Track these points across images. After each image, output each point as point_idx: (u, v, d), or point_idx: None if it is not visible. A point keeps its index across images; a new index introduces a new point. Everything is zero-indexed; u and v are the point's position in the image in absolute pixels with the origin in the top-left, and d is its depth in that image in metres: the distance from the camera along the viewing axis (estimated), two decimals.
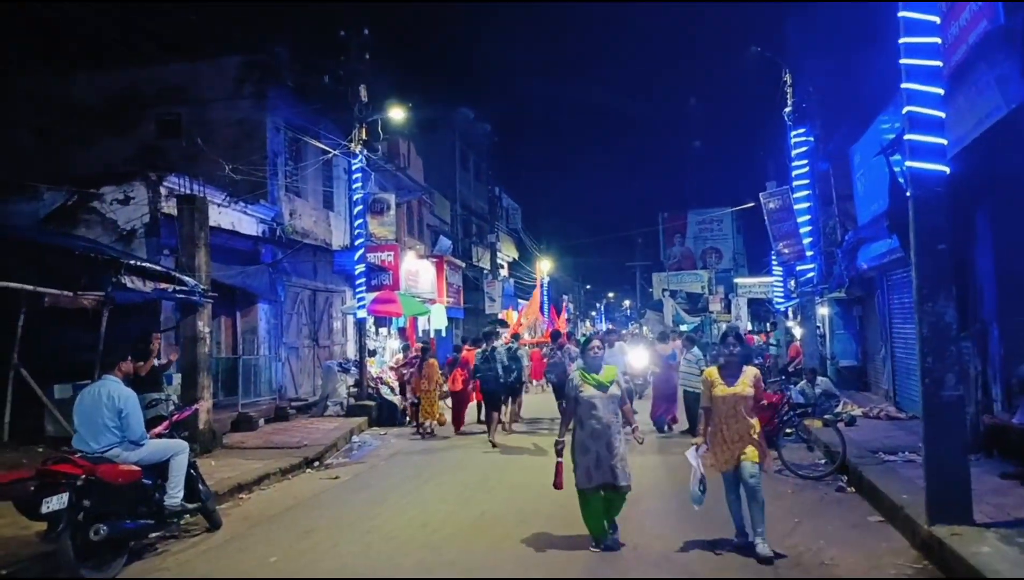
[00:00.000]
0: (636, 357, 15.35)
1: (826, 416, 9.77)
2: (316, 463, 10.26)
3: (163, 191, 11.80)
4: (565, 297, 52.10)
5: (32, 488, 5.13)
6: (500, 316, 30.49)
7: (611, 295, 75.80)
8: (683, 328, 36.48)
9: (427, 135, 27.96)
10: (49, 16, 14.68)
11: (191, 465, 6.56)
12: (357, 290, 15.50)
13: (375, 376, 15.40)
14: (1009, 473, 6.93)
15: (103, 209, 11.68)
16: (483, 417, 12.84)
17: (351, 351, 18.12)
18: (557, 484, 5.82)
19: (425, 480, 8.94)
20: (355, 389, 15.15)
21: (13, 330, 9.40)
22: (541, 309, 39.60)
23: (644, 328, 44.18)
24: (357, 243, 15.27)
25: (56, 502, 5.08)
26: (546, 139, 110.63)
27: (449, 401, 13.75)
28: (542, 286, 39.07)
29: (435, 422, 12.85)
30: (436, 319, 23.16)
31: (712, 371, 5.86)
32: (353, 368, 15.85)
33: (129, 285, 9.69)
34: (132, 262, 9.88)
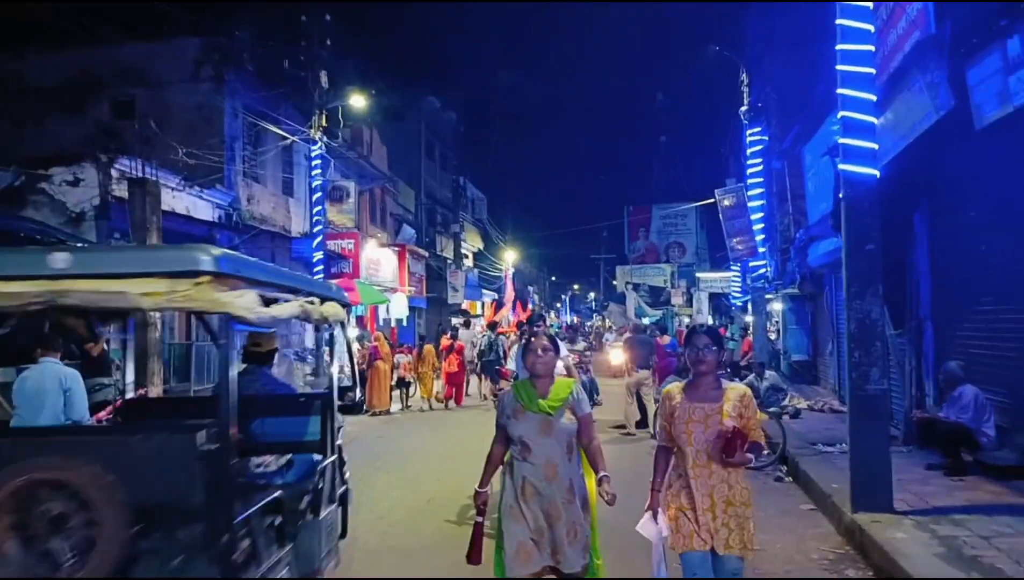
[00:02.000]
0: (614, 355, 16.06)
1: (771, 409, 10.05)
2: None
3: (115, 174, 11.61)
4: (530, 288, 52.39)
5: None
6: (464, 306, 30.56)
7: (576, 287, 76.39)
8: (645, 321, 36.91)
9: (392, 123, 27.82)
10: None
11: None
12: (315, 278, 15.44)
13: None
14: (935, 464, 7.25)
15: (52, 191, 11.47)
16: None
17: (309, 340, 18.03)
18: (472, 558, 3.76)
19: (378, 468, 9.02)
20: (311, 378, 15.12)
21: None
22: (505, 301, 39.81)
23: (607, 321, 44.56)
24: (315, 230, 15.21)
25: None
26: (513, 130, 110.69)
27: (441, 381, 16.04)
28: (511, 277, 39.28)
29: (433, 399, 15.42)
30: (397, 308, 23.15)
31: (674, 388, 3.63)
32: (310, 357, 15.79)
33: None
34: (79, 245, 9.74)
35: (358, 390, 14.63)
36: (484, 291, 37.83)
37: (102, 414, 6.76)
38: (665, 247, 52.10)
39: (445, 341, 16.40)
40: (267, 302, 3.31)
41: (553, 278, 69.19)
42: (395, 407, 14.91)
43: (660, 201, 51.81)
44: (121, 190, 11.52)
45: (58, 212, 11.48)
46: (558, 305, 70.27)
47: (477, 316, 31.51)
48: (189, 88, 14.82)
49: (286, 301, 3.59)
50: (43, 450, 3.16)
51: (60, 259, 2.89)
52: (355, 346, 17.30)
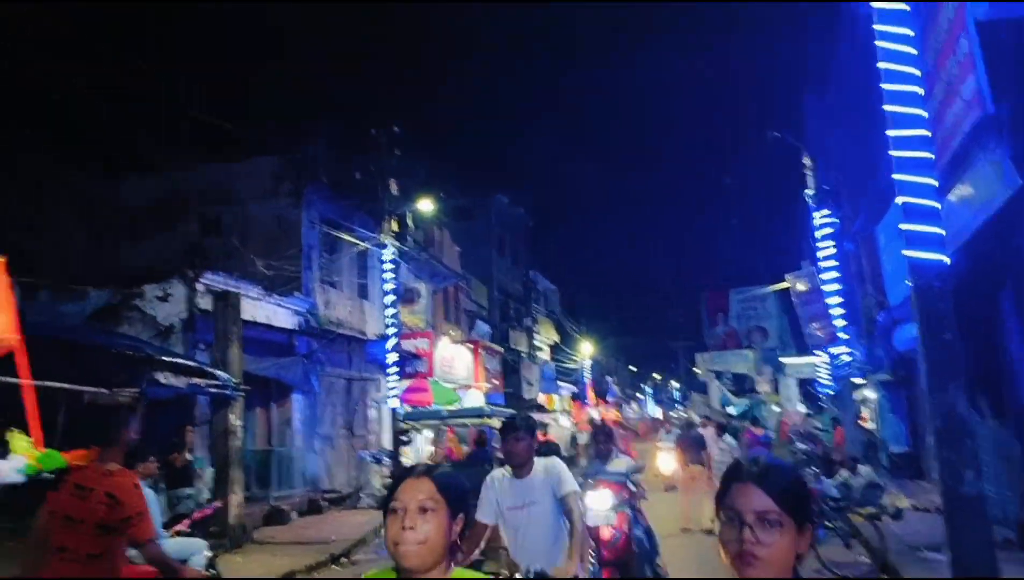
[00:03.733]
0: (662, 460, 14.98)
1: (867, 509, 9.33)
2: (343, 559, 10.19)
3: (200, 288, 12.31)
4: (609, 378, 51.61)
5: None
6: (539, 400, 30.31)
7: (657, 376, 74.71)
8: (731, 410, 35.45)
9: (462, 222, 28.69)
10: (100, 122, 15.80)
11: (210, 565, 6.61)
12: (389, 379, 15.69)
13: (408, 466, 15.40)
14: None
15: (144, 306, 12.22)
16: None
17: (386, 441, 18.16)
18: None
19: None
20: (389, 480, 15.13)
21: (55, 427, 9.76)
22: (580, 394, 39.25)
23: (690, 412, 43.19)
24: (389, 332, 15.56)
25: None
26: (582, 221, 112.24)
27: None
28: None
29: None
30: (474, 405, 23.11)
31: None
32: (386, 458, 15.87)
33: (163, 381, 10.03)
34: (166, 359, 10.25)
35: None
36: (560, 384, 37.47)
37: (179, 526, 6.93)
38: (746, 332, 50.69)
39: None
40: None
41: (632, 368, 67.99)
42: None
43: (737, 285, 50.77)
44: (206, 303, 12.20)
45: (149, 326, 12.19)
46: (639, 395, 68.73)
47: (553, 410, 31.17)
48: (268, 202, 15.79)
49: None
50: None
51: None
52: (430, 448, 17.46)
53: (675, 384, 68.95)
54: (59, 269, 13.79)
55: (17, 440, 6.29)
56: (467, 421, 15.44)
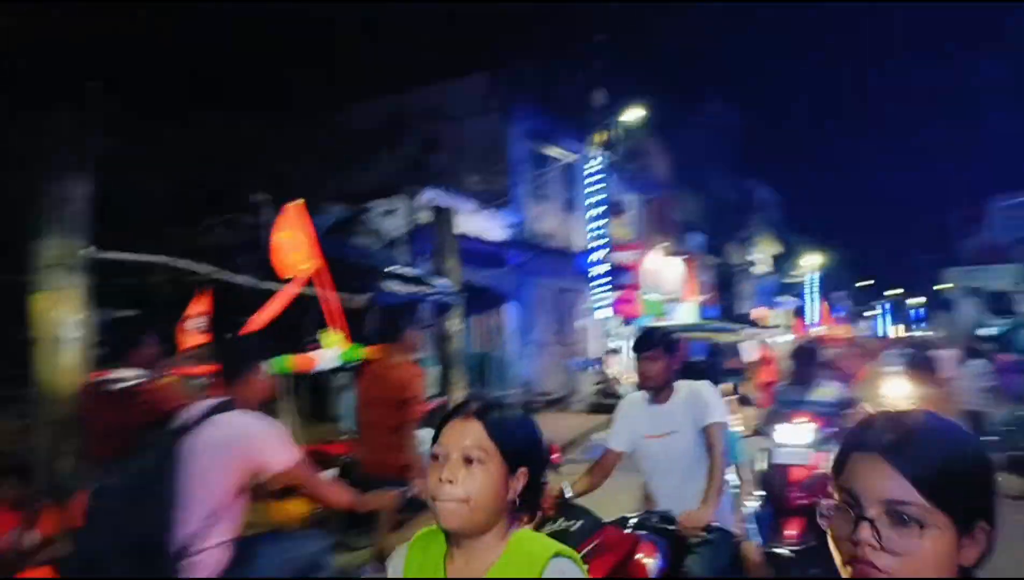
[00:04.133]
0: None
1: None
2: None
3: (419, 203, 13.21)
4: (838, 294, 47.99)
5: None
6: (751, 315, 29.14)
7: (894, 292, 68.08)
8: (985, 331, 31.55)
9: (675, 130, 27.56)
10: (335, 49, 17.13)
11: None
12: (597, 291, 15.91)
13: (613, 376, 15.71)
14: None
15: (371, 221, 13.41)
16: None
17: (593, 351, 18.60)
18: None
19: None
20: (599, 385, 15.59)
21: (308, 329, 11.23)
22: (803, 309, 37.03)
23: (932, 333, 39.01)
24: (596, 244, 15.67)
25: None
26: (810, 125, 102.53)
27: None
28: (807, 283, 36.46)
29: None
30: (684, 318, 22.78)
31: None
32: (595, 366, 16.30)
33: (389, 288, 11.07)
34: (391, 269, 11.25)
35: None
36: (780, 298, 35.62)
37: None
38: (1009, 244, 44.22)
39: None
40: None
41: (867, 282, 62.50)
42: None
43: (995, 191, 44.22)
44: (426, 217, 13.09)
45: (377, 239, 13.40)
46: (872, 313, 63.35)
47: (774, 326, 29.76)
48: (480, 120, 16.30)
49: None
50: None
51: None
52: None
53: (915, 301, 62.48)
54: (304, 190, 15.48)
55: (332, 336, 7.71)
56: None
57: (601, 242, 15.67)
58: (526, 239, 16.24)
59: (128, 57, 12.06)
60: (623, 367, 16.79)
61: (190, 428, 2.63)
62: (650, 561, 2.92)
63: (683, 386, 3.40)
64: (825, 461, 5.13)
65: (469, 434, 1.47)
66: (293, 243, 7.28)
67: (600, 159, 15.72)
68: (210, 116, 15.48)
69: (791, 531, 4.95)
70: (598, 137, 15.66)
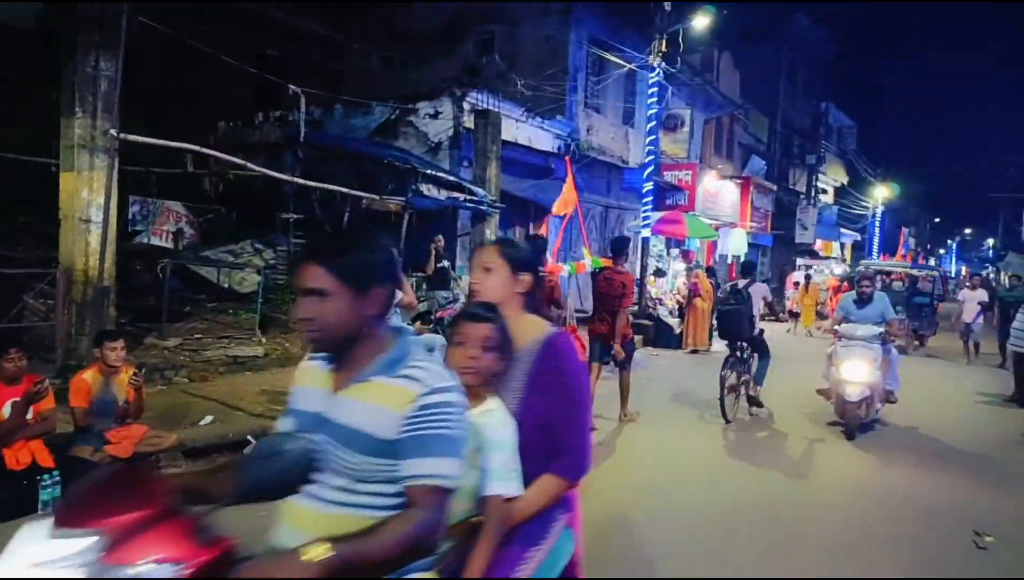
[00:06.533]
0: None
1: None
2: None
3: (466, 106, 12.79)
4: (906, 229, 45.90)
5: None
6: (814, 246, 28.14)
7: (968, 231, 64.88)
8: None
9: (749, 44, 25.98)
10: None
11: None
12: (643, 208, 15.42)
13: (654, 297, 15.41)
14: None
15: (417, 123, 13.10)
16: None
17: (637, 270, 18.23)
18: None
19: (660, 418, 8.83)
20: (637, 305, 15.30)
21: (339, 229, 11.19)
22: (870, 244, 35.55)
23: (1002, 274, 37.12)
24: (647, 160, 15.06)
25: None
26: (895, 49, 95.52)
27: None
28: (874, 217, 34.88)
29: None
30: (734, 244, 22.10)
31: None
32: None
33: (425, 193, 10.88)
34: (428, 172, 11.02)
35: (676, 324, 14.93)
36: (843, 231, 34.26)
37: (418, 324, 7.79)
38: None
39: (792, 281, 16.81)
40: None
41: (936, 220, 59.59)
42: (716, 346, 14.40)
43: None
44: (471, 121, 12.70)
45: (421, 142, 13.11)
46: (940, 251, 60.71)
47: (831, 257, 28.73)
48: (539, 22, 15.52)
49: None
50: None
51: None
52: (678, 281, 17.17)
53: (990, 241, 59.48)
54: (357, 89, 15.16)
55: (585, 251, 12.63)
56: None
57: (651, 157, 15.02)
58: (575, 151, 15.73)
59: None
60: (667, 289, 16.48)
61: None
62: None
63: None
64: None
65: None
66: (568, 191, 12.22)
67: (659, 70, 14.85)
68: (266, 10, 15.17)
69: None
70: (660, 46, 14.72)
